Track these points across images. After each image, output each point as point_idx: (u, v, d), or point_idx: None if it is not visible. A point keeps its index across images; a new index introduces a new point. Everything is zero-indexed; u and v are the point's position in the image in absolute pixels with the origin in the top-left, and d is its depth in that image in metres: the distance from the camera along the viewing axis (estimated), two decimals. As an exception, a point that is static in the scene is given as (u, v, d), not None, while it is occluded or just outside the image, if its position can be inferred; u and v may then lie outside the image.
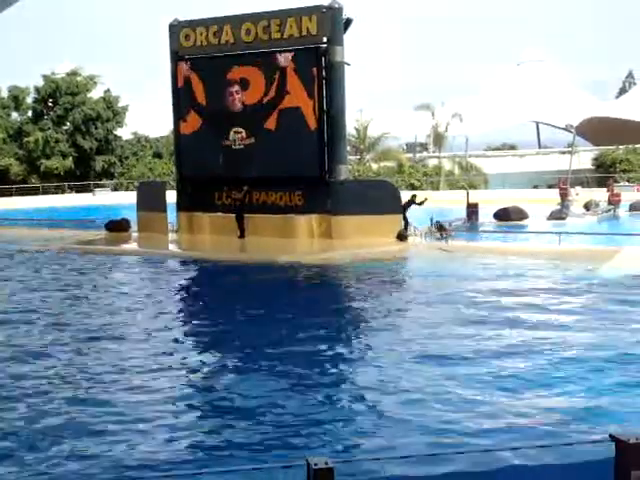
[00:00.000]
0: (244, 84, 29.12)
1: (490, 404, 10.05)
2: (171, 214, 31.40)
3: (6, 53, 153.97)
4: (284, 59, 28.17)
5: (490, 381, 11.02)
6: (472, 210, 34.09)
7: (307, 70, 28.03)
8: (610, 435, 4.99)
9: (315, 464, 4.60)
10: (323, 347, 13.56)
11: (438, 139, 70.18)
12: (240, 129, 29.32)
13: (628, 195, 41.80)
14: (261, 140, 28.98)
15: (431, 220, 28.44)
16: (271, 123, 28.76)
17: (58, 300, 18.68)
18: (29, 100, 70.41)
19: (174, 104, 31.36)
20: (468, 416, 9.59)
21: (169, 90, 31.48)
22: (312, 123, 28.08)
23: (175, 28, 30.49)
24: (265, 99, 28.80)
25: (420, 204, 29.39)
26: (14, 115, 71.13)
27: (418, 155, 72.38)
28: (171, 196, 31.67)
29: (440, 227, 27.87)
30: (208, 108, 30.08)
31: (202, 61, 30.05)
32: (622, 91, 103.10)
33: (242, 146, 29.35)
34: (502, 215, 34.49)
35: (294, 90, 28.21)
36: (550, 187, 54.49)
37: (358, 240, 26.13)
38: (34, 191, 62.63)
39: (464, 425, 9.29)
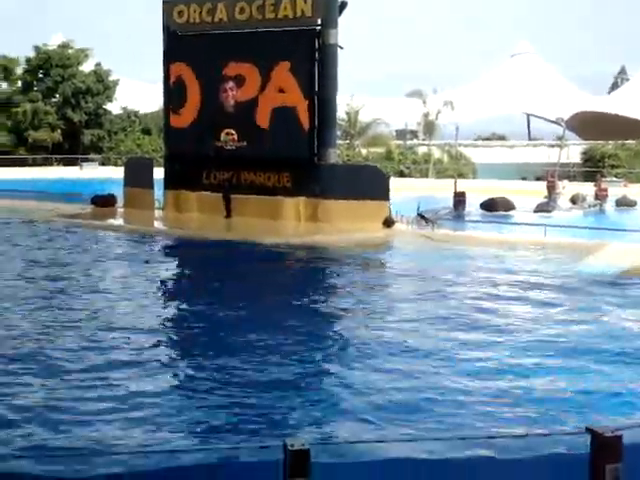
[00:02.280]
0: (239, 81, 28.83)
1: (469, 393, 10.08)
2: (158, 191, 31.28)
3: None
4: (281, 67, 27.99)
5: (471, 370, 11.06)
6: (459, 199, 34.12)
7: (301, 56, 27.84)
8: (586, 428, 5.00)
9: (292, 445, 4.61)
10: (305, 330, 13.58)
11: (428, 127, 70.09)
12: (232, 131, 29.05)
13: (615, 190, 41.90)
14: (253, 141, 28.65)
15: (418, 207, 28.44)
16: (264, 123, 28.56)
17: (44, 272, 18.67)
18: (19, 71, 69.93)
19: (165, 87, 31.19)
20: (446, 404, 9.62)
21: (160, 67, 31.29)
22: (306, 122, 27.80)
23: (168, 5, 30.19)
24: (260, 98, 28.52)
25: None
26: (3, 85, 70.67)
27: (408, 142, 72.30)
28: (159, 173, 31.56)
29: (422, 217, 27.80)
30: (201, 106, 29.71)
31: (197, 55, 29.58)
32: (614, 87, 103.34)
33: (234, 147, 29.12)
34: (489, 205, 34.52)
35: (289, 89, 27.96)
36: (538, 179, 54.56)
37: (345, 225, 26.04)
38: (22, 163, 62.20)
39: (442, 412, 9.32)
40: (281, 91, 28.14)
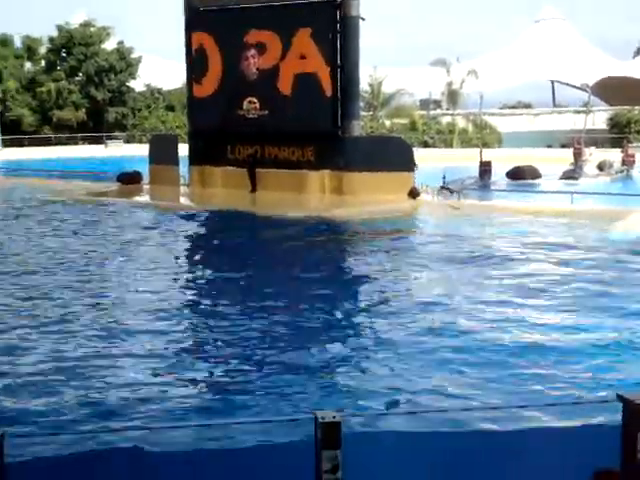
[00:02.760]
0: (260, 49, 28.78)
1: (499, 363, 10.05)
2: (183, 167, 31.36)
3: (21, 3, 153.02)
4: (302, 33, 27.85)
5: (502, 341, 11.04)
6: (485, 168, 33.93)
7: (322, 27, 27.67)
8: (618, 395, 4.97)
9: (322, 418, 4.62)
10: (330, 301, 13.65)
11: (452, 96, 69.47)
12: (254, 99, 29.03)
13: (642, 156, 41.40)
14: (275, 109, 28.65)
15: (443, 178, 28.30)
16: (286, 89, 28.51)
17: (77, 251, 18.86)
18: (43, 50, 70.19)
19: (187, 58, 31.12)
20: (476, 375, 9.60)
21: (182, 43, 31.21)
22: (328, 89, 27.75)
23: (189, -22, 30.15)
24: (281, 64, 28.48)
25: None
26: (27, 65, 70.95)
27: (432, 112, 71.80)
28: (183, 149, 31.61)
29: (446, 189, 27.63)
30: (223, 75, 29.74)
31: (218, 25, 29.56)
32: (639, 51, 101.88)
33: (255, 116, 29.14)
34: (515, 174, 34.32)
35: (310, 55, 27.88)
36: (564, 146, 54.09)
37: (370, 197, 25.97)
38: (47, 142, 62.55)
39: (471, 382, 9.30)
40: (302, 57, 28.02)
